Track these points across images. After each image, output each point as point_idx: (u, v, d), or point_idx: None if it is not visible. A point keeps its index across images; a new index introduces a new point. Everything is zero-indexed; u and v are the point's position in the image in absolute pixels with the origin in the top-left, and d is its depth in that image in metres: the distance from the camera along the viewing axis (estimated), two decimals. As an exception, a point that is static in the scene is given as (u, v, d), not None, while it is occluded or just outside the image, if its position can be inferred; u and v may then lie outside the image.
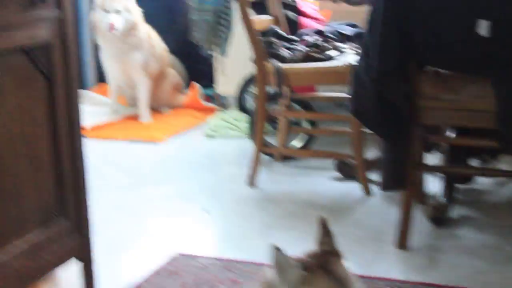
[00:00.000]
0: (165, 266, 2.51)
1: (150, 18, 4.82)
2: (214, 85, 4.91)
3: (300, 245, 2.59)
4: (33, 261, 2.06)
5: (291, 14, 4.06)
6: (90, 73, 5.52)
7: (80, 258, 2.26)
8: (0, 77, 1.89)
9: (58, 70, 2.14)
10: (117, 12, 4.47)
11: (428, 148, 3.29)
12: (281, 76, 3.30)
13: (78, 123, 2.25)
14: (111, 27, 4.45)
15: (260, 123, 3.42)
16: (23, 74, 2.01)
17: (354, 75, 2.68)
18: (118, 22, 4.47)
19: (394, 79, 2.58)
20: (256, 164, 3.40)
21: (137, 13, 4.58)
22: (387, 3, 2.52)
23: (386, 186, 2.71)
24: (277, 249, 1.47)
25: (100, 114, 4.73)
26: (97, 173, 3.68)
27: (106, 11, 4.47)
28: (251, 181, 3.41)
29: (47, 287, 2.46)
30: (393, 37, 2.52)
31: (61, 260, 2.18)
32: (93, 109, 4.85)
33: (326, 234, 1.55)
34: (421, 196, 3.02)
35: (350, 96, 2.70)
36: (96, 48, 4.92)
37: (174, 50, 5.14)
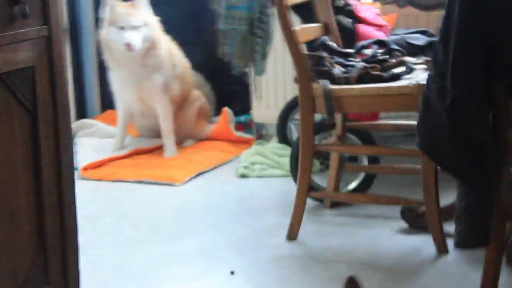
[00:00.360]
0: None
1: (169, 28, 4.90)
2: (250, 111, 4.93)
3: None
4: None
5: (346, 21, 4.06)
6: (94, 99, 5.61)
7: (69, 338, 2.27)
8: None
9: (43, 101, 2.19)
10: (134, 28, 4.55)
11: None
12: (331, 100, 3.30)
13: (70, 167, 2.28)
14: (129, 47, 4.52)
15: (305, 159, 3.41)
16: (-3, 107, 2.04)
17: (423, 99, 2.66)
18: (137, 40, 4.55)
19: (476, 106, 2.54)
20: (299, 211, 3.40)
21: (157, 27, 4.64)
22: (465, 7, 2.48)
23: (464, 242, 2.67)
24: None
25: (105, 148, 4.78)
26: (96, 225, 3.74)
27: (121, 28, 4.53)
28: (293, 234, 3.40)
29: None
30: (475, 52, 2.48)
31: None
32: (97, 142, 4.91)
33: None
34: (510, 254, 2.97)
35: (417, 126, 2.67)
36: (101, 69, 4.99)
37: (200, 67, 5.18)
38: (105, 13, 4.63)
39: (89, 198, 4.16)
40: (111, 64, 4.75)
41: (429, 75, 2.68)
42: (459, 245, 2.75)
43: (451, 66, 2.50)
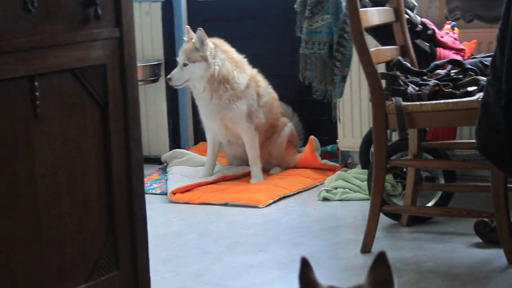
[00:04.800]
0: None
1: (260, 61, 5.14)
2: (336, 140, 5.04)
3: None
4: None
5: (425, 44, 4.14)
6: (187, 131, 5.82)
7: (136, 321, 2.41)
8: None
9: (114, 97, 2.34)
10: (184, 65, 4.87)
11: None
12: (403, 116, 3.38)
13: (139, 161, 2.42)
14: (169, 81, 4.92)
15: (378, 173, 3.50)
16: (70, 100, 2.23)
17: (482, 102, 2.73)
18: (176, 76, 4.89)
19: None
20: (372, 224, 3.48)
21: (230, 63, 4.86)
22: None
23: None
24: (304, 261, 1.57)
25: (195, 176, 4.96)
26: (181, 240, 3.90)
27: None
28: (366, 247, 3.48)
29: None
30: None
31: (112, 321, 2.34)
32: (187, 170, 5.09)
33: (381, 266, 1.62)
34: None
35: (476, 130, 2.74)
36: (194, 103, 5.22)
37: (288, 99, 5.36)
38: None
39: (175, 218, 4.34)
40: (195, 97, 5.03)
41: (487, 80, 2.76)
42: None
43: (506, 68, 2.58)
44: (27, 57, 2.07)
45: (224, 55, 4.89)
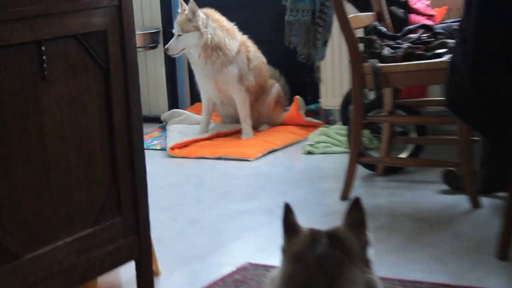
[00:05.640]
0: (232, 275, 2.66)
1: (250, 28, 5.13)
2: (319, 100, 5.05)
3: (390, 257, 2.68)
4: (84, 260, 2.25)
5: (398, 11, 4.13)
6: (184, 94, 5.83)
7: (137, 261, 2.43)
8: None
9: (114, 61, 2.34)
10: (179, 35, 4.89)
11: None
12: (379, 76, 3.39)
13: (138, 118, 2.43)
14: (167, 51, 4.96)
15: (357, 128, 3.52)
16: (75, 63, 2.23)
17: (450, 62, 2.74)
18: (173, 46, 4.92)
19: (495, 66, 2.59)
20: (351, 174, 3.51)
21: (221, 32, 4.87)
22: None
23: (486, 187, 2.73)
24: (287, 207, 1.64)
25: (191, 133, 4.98)
26: (179, 190, 3.92)
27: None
28: (345, 195, 3.51)
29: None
30: (492, 18, 2.55)
31: (115, 261, 2.36)
32: (184, 128, 5.11)
33: (357, 210, 1.65)
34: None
35: (445, 88, 2.75)
36: (190, 68, 5.21)
37: (276, 63, 5.35)
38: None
39: (174, 171, 4.36)
40: (191, 63, 5.04)
41: (455, 42, 2.77)
42: (481, 190, 2.80)
43: (472, 31, 2.59)
44: (33, 24, 2.06)
45: (215, 24, 4.89)
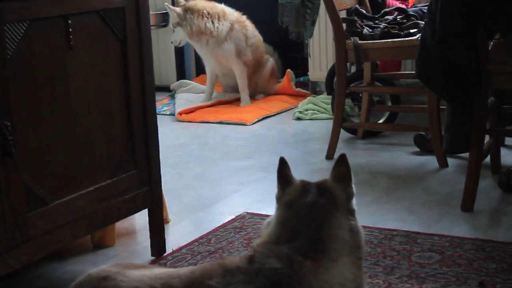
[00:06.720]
0: (232, 222, 2.66)
1: (250, 8, 5.10)
2: (307, 73, 5.03)
3: (369, 208, 2.69)
4: (104, 207, 2.24)
5: (377, -5, 4.10)
6: (191, 66, 5.79)
7: (150, 209, 2.43)
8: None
9: (131, 33, 2.32)
10: (174, 28, 4.91)
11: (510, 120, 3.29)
12: (360, 52, 3.38)
13: (151, 84, 2.41)
14: (175, 44, 5.01)
15: (339, 98, 3.51)
16: (96, 35, 2.20)
17: (420, 40, 2.73)
18: (173, 39, 4.97)
19: (459, 43, 2.58)
20: (335, 137, 3.51)
21: (193, 22, 4.85)
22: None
23: (450, 148, 2.73)
24: (282, 160, 1.59)
25: (196, 101, 4.96)
26: (185, 149, 3.91)
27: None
28: (330, 155, 3.51)
29: (118, 236, 2.66)
30: (456, 1, 2.54)
31: (131, 209, 2.36)
32: (191, 96, 5.09)
33: (342, 165, 1.64)
34: (495, 166, 3.02)
35: (416, 61, 2.74)
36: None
37: (271, 40, 5.31)
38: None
39: (181, 133, 4.35)
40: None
41: (425, 21, 2.75)
42: (447, 150, 2.80)
43: (439, 11, 2.57)
44: (61, 1, 2.04)
45: (194, 15, 4.84)
